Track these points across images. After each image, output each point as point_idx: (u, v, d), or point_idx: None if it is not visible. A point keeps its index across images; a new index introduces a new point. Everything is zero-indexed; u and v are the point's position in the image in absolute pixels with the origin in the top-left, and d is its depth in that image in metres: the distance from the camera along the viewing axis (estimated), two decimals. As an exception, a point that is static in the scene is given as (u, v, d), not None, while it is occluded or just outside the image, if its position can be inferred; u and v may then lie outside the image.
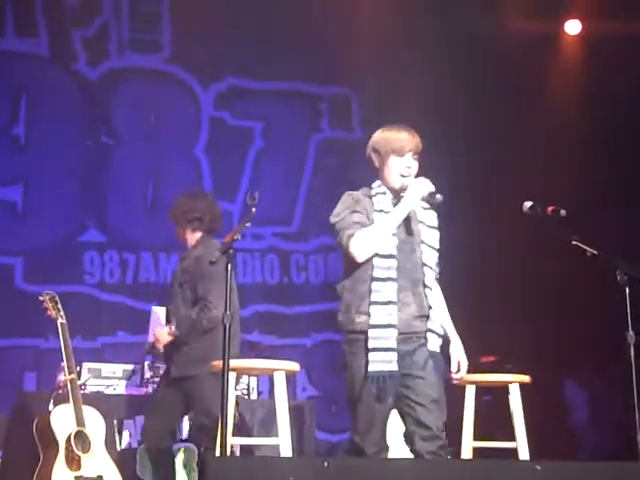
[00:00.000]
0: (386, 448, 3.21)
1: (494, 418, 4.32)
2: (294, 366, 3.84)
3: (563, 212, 3.64)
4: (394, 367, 3.12)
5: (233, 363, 3.63)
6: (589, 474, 2.64)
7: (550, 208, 3.66)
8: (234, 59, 6.30)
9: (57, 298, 4.07)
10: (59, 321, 4.00)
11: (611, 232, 5.20)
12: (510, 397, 4.06)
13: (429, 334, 3.23)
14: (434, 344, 3.23)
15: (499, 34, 5.97)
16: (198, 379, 3.98)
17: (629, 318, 3.50)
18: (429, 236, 3.32)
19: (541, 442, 4.16)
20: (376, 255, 3.20)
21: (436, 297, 3.33)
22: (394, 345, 3.14)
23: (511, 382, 4.06)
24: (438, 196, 3.24)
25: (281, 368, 3.78)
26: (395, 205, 3.29)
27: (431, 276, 3.27)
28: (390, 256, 3.20)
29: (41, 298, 4.06)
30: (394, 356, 3.13)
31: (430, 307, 3.24)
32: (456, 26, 5.99)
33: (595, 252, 3.64)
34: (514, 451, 4.01)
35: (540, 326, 5.59)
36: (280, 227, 6.49)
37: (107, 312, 5.91)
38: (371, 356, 3.13)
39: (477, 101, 5.61)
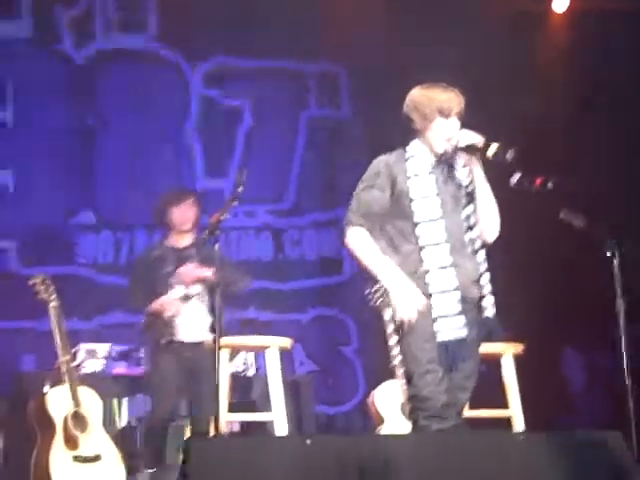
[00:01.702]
0: (451, 404, 2.97)
1: (493, 387, 4.35)
2: (286, 342, 3.88)
3: (550, 185, 3.64)
4: (464, 332, 2.98)
5: (225, 340, 3.68)
6: (572, 443, 2.68)
7: (538, 180, 3.65)
8: (222, 38, 6.26)
9: (49, 280, 4.08)
10: (51, 304, 4.02)
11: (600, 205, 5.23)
12: (503, 366, 4.09)
13: (485, 300, 3.08)
14: (490, 310, 3.10)
15: (488, 10, 5.93)
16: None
17: (617, 286, 3.52)
18: (466, 194, 3.14)
19: (538, 410, 4.20)
20: (419, 222, 3.05)
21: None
22: (460, 309, 2.98)
23: (504, 352, 4.09)
24: (509, 154, 3.03)
25: (273, 344, 3.82)
26: (433, 166, 3.12)
27: (473, 233, 3.13)
28: (435, 219, 3.05)
29: (31, 282, 4.07)
30: (462, 320, 2.98)
31: (483, 271, 3.10)
32: (446, 1, 5.96)
33: (582, 225, 3.66)
34: (508, 420, 4.05)
35: (534, 294, 5.62)
36: (273, 204, 6.49)
37: (102, 293, 5.92)
38: (438, 324, 2.97)
39: (464, 77, 5.58)
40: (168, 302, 4.39)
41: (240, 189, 4.05)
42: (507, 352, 4.09)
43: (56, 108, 6.11)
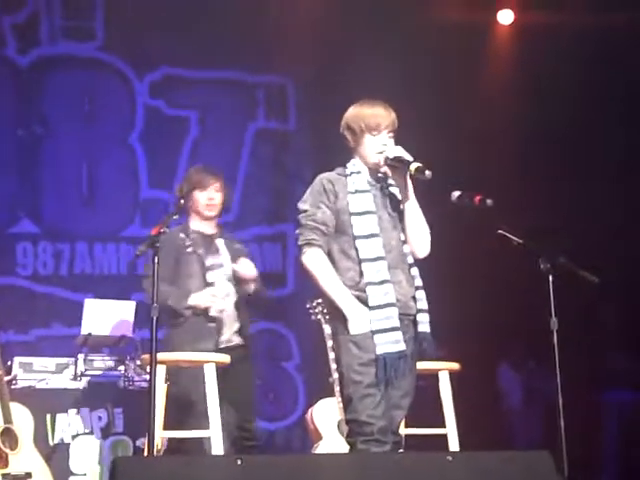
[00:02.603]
0: (388, 428, 2.98)
1: (430, 404, 4.38)
2: (225, 358, 3.84)
3: (489, 202, 3.68)
4: (402, 347, 3.00)
5: (161, 356, 3.63)
6: (500, 463, 2.69)
7: (477, 197, 3.69)
8: (169, 47, 6.21)
9: (-18, 293, 4.01)
10: (-16, 317, 3.94)
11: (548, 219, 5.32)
12: (440, 384, 4.11)
13: (420, 315, 3.12)
14: (425, 325, 3.13)
15: (432, 23, 5.99)
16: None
17: (552, 305, 3.58)
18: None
19: (474, 428, 4.23)
20: (358, 237, 3.09)
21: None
22: (398, 324, 3.01)
23: (440, 369, 4.12)
24: (427, 173, 3.07)
25: (211, 360, 3.78)
26: (371, 184, 3.17)
27: (411, 253, 3.18)
28: (373, 235, 3.09)
29: (-35, 293, 4.00)
30: (400, 335, 3.00)
31: (418, 286, 3.15)
32: (390, 13, 5.99)
33: (520, 241, 3.72)
34: (445, 438, 4.07)
35: (470, 311, 5.67)
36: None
37: (41, 304, 5.82)
38: (377, 338, 2.98)
39: (409, 91, 5.63)
40: (217, 297, 4.00)
41: (181, 202, 4.06)
42: (443, 370, 4.12)
43: (0, 114, 6.00)
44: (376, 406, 2.96)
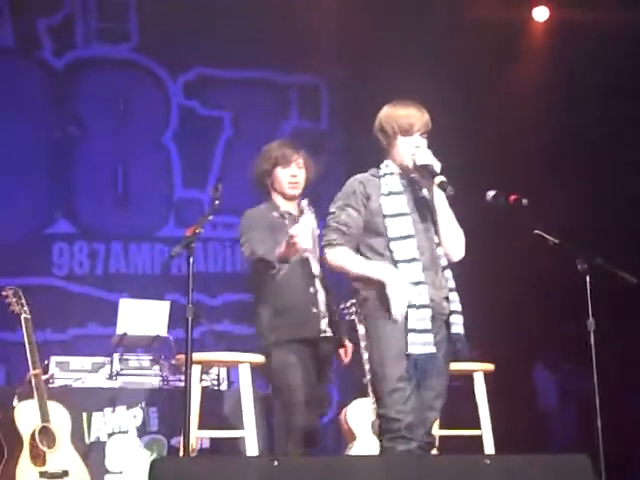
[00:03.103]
0: (416, 424, 2.96)
1: (465, 405, 4.35)
2: (259, 358, 3.85)
3: (525, 201, 3.66)
4: (433, 349, 2.99)
5: (197, 356, 3.65)
6: (538, 467, 2.67)
7: (513, 197, 3.67)
8: (203, 48, 6.25)
9: (20, 293, 4.05)
10: (23, 316, 3.99)
11: (576, 220, 5.25)
12: (475, 385, 4.08)
13: (453, 316, 3.11)
14: (459, 326, 3.13)
15: (468, 20, 5.95)
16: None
17: (589, 305, 3.54)
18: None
19: (509, 429, 4.20)
20: (392, 239, 3.08)
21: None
22: (429, 326, 3.01)
23: (475, 370, 4.09)
24: (449, 189, 3.06)
25: (246, 360, 3.79)
26: (404, 185, 3.16)
27: (445, 255, 3.18)
28: (409, 236, 3.09)
29: (4, 293, 4.04)
30: (430, 338, 3.00)
31: (452, 288, 3.15)
32: (423, 12, 5.97)
33: (557, 241, 3.69)
34: (480, 439, 4.05)
35: (506, 312, 5.62)
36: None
37: (77, 304, 5.88)
38: (410, 337, 2.98)
39: (442, 90, 5.60)
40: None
41: (217, 203, 4.02)
42: (478, 371, 4.09)
43: (36, 116, 6.08)
44: (405, 401, 2.96)
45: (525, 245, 4.09)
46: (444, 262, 3.19)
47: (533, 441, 5.13)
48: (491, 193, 3.71)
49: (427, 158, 3.15)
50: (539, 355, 6.06)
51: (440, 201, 3.18)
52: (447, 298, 3.14)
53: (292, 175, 3.83)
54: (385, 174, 3.19)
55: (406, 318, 3.00)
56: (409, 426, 2.93)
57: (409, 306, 3.01)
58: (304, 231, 3.43)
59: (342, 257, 3.12)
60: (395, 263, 3.06)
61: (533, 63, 6.16)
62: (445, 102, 5.85)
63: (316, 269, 3.75)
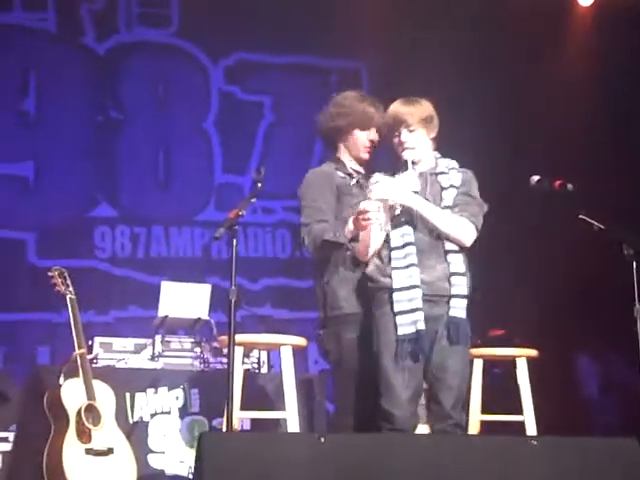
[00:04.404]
0: (416, 415, 3.09)
1: (505, 391, 4.33)
2: (301, 341, 3.86)
3: (570, 186, 3.63)
4: (421, 326, 3.09)
5: (239, 338, 3.67)
6: (586, 449, 2.65)
7: (557, 182, 3.65)
8: (243, 33, 6.26)
9: (66, 274, 4.10)
10: (68, 296, 4.04)
11: (619, 205, 5.17)
12: (517, 371, 4.06)
13: (454, 300, 3.18)
14: (459, 310, 3.18)
15: (507, 5, 5.89)
16: None
17: (636, 291, 3.51)
18: (445, 197, 3.28)
19: (551, 416, 4.16)
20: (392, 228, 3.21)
21: (461, 259, 3.26)
22: (420, 305, 3.10)
23: (518, 356, 4.07)
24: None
25: (287, 343, 3.81)
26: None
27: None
28: (403, 223, 3.19)
29: (50, 274, 4.10)
30: (421, 316, 3.09)
31: (455, 272, 3.20)
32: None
33: (602, 227, 3.64)
34: (522, 425, 4.02)
35: (549, 298, 5.57)
36: (291, 201, 6.47)
37: (118, 287, 5.95)
38: (398, 319, 3.10)
39: (488, 72, 5.56)
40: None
41: (259, 186, 4.01)
42: (521, 357, 4.07)
43: (79, 100, 6.14)
44: (401, 392, 3.07)
45: (570, 231, 4.04)
46: (451, 246, 3.25)
47: (575, 429, 5.08)
48: (535, 178, 3.69)
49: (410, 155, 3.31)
50: (583, 343, 6.00)
51: (421, 207, 3.25)
52: (448, 280, 3.20)
53: (371, 140, 3.51)
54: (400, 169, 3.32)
55: (392, 304, 3.11)
56: (405, 419, 3.03)
57: (396, 289, 3.11)
58: (376, 205, 3.12)
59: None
60: (391, 250, 3.18)
61: (578, 48, 6.08)
62: (486, 88, 5.82)
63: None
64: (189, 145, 6.30)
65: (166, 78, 6.34)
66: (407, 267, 3.13)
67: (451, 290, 3.19)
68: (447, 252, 3.24)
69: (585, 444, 2.75)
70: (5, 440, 4.45)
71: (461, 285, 3.21)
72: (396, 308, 3.11)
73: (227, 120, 6.37)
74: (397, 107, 3.32)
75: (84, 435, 3.77)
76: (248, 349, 4.48)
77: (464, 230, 3.28)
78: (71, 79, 6.15)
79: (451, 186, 3.32)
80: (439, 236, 3.25)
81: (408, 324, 3.09)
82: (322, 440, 2.44)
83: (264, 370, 4.84)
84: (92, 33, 6.24)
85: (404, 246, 3.17)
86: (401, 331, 3.09)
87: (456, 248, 3.26)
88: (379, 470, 2.54)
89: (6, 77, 5.97)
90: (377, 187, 3.18)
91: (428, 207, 3.25)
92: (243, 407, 3.92)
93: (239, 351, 3.84)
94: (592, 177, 5.44)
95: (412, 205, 3.23)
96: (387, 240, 3.22)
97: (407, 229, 3.20)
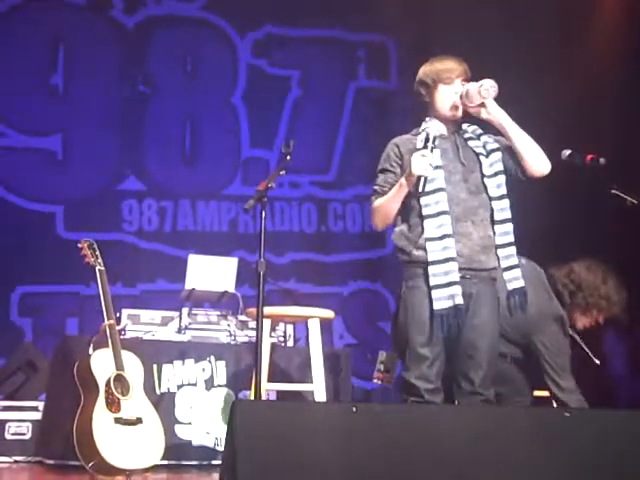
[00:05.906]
0: (439, 389, 3.04)
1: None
2: (328, 313, 3.88)
3: (602, 160, 3.60)
4: (459, 300, 3.01)
5: (267, 310, 3.69)
6: (617, 422, 2.64)
7: (589, 157, 3.61)
8: (271, 6, 6.24)
9: (95, 245, 4.12)
10: (97, 268, 4.06)
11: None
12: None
13: (506, 273, 3.08)
14: (514, 282, 3.10)
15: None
16: None
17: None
18: (484, 161, 3.16)
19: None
20: (422, 194, 3.06)
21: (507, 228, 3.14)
22: (457, 279, 3.01)
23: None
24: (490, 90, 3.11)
25: (315, 315, 3.82)
26: (443, 137, 3.16)
27: (495, 204, 3.11)
28: (437, 190, 3.07)
29: (79, 245, 4.12)
30: (458, 290, 3.01)
31: (505, 243, 3.09)
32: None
33: (635, 201, 3.61)
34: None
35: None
36: (317, 176, 6.47)
37: (146, 260, 5.99)
38: (434, 294, 3.01)
39: (517, 51, 5.49)
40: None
41: (288, 159, 4.00)
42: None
43: (107, 75, 6.16)
44: (429, 367, 3.01)
45: (601, 205, 4.00)
46: (505, 215, 3.13)
47: (602, 405, 5.06)
48: (567, 152, 3.65)
49: (471, 86, 3.17)
50: (611, 319, 5.95)
51: (501, 117, 3.15)
52: (492, 250, 3.10)
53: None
54: (422, 130, 3.18)
55: (427, 277, 3.03)
56: (431, 391, 2.99)
57: (430, 262, 3.02)
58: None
59: (376, 211, 3.18)
60: (423, 218, 3.07)
61: (610, 25, 5.98)
62: (516, 64, 5.75)
63: None
64: (217, 119, 6.31)
65: (194, 52, 6.33)
66: (441, 238, 3.05)
67: (502, 263, 3.11)
68: (499, 222, 3.12)
69: (617, 416, 2.73)
70: (35, 409, 4.52)
71: (511, 255, 3.10)
72: (432, 282, 3.02)
73: (255, 94, 6.36)
74: (450, 62, 3.21)
75: (113, 404, 3.81)
76: (275, 322, 4.51)
77: (544, 157, 3.16)
78: (99, 53, 6.17)
79: (492, 150, 3.22)
80: (478, 199, 3.14)
81: (445, 298, 3.01)
82: (354, 410, 2.45)
83: (290, 344, 4.86)
84: (121, 6, 6.24)
85: (438, 215, 3.06)
86: (437, 305, 3.01)
87: (503, 217, 3.14)
88: (412, 441, 2.54)
89: (35, 52, 5.99)
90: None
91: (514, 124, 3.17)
92: (270, 380, 3.95)
93: (267, 324, 3.86)
94: (623, 152, 5.39)
95: (500, 117, 3.15)
96: (418, 206, 3.10)
97: (441, 196, 3.08)
